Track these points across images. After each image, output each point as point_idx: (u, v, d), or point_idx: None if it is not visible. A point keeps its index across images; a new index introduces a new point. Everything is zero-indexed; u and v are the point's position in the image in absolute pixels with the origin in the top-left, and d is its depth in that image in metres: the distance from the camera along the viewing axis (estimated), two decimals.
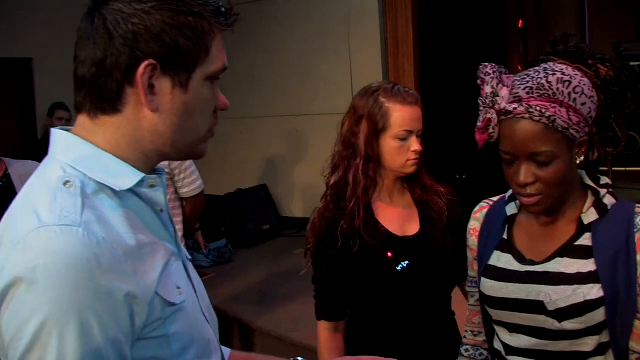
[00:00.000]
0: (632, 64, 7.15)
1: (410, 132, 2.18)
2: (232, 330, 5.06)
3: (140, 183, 1.19)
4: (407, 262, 2.20)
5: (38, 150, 4.80)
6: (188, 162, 3.79)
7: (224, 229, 7.24)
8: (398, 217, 2.28)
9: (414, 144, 2.19)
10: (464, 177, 7.10)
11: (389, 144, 2.19)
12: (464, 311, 2.40)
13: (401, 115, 2.17)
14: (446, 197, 2.35)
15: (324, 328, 2.27)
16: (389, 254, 2.19)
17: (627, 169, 8.84)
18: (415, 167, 2.22)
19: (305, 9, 7.53)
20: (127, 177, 1.18)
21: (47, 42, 7.09)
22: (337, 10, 7.32)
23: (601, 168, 1.74)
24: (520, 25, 8.92)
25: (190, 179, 3.86)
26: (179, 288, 1.20)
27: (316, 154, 7.38)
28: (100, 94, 1.16)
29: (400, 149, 2.19)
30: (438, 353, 2.27)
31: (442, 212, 2.30)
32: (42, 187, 1.12)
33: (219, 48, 1.23)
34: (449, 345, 2.29)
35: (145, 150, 1.21)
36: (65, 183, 1.11)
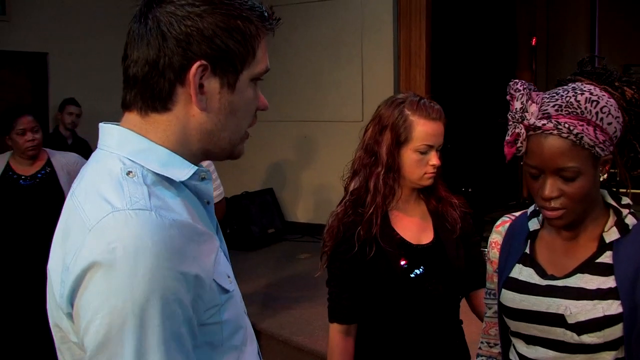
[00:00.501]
0: None
1: (430, 147, 2.23)
2: None
3: (194, 175, 1.25)
4: (421, 269, 2.24)
5: (50, 144, 4.89)
6: (212, 168, 3.83)
7: (229, 231, 7.27)
8: (413, 226, 2.32)
9: (433, 158, 2.23)
10: (469, 189, 7.14)
11: (409, 156, 2.23)
12: (469, 321, 2.44)
13: (424, 130, 2.21)
14: (460, 209, 2.39)
15: (336, 331, 2.30)
16: (404, 261, 2.23)
17: (633, 191, 8.87)
18: (432, 180, 2.27)
19: (319, 16, 7.58)
20: (182, 168, 1.23)
21: (62, 37, 7.16)
22: (351, 19, 7.37)
23: (621, 190, 1.77)
24: (533, 43, 8.95)
25: (214, 185, 3.88)
26: (229, 277, 1.25)
27: (324, 160, 7.43)
28: (152, 93, 1.21)
29: (419, 162, 2.23)
30: (445, 359, 2.31)
31: (455, 223, 2.34)
32: (104, 177, 1.16)
33: (263, 50, 1.29)
34: (457, 352, 2.35)
35: (192, 147, 1.26)
36: (128, 173, 1.16)
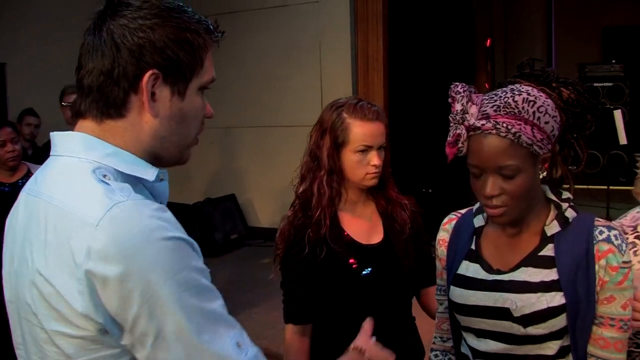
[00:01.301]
0: (596, 84, 7.30)
1: (369, 147, 2.25)
2: None
3: (157, 176, 1.33)
4: (370, 269, 2.28)
5: None
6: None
7: (192, 237, 7.23)
8: (363, 227, 2.35)
9: (374, 158, 2.25)
10: (429, 190, 7.21)
11: (349, 158, 2.26)
12: (423, 319, 2.49)
13: (361, 131, 2.24)
14: (410, 209, 2.42)
15: (291, 331, 2.32)
16: (353, 261, 2.26)
17: (590, 187, 9.03)
18: (376, 180, 2.29)
19: (277, 21, 7.60)
20: (147, 170, 1.31)
21: (20, 47, 7.08)
22: (308, 24, 7.40)
23: (564, 185, 1.82)
24: (488, 44, 9.06)
25: None
26: None
27: (284, 165, 7.39)
28: (107, 101, 1.27)
29: (359, 163, 2.25)
30: (399, 356, 2.35)
31: (405, 223, 2.37)
32: (85, 179, 1.22)
33: (210, 61, 1.36)
34: (409, 348, 2.39)
35: (145, 152, 1.31)
36: (104, 176, 1.22)
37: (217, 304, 1.22)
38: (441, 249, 1.98)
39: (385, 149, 2.31)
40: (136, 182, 1.28)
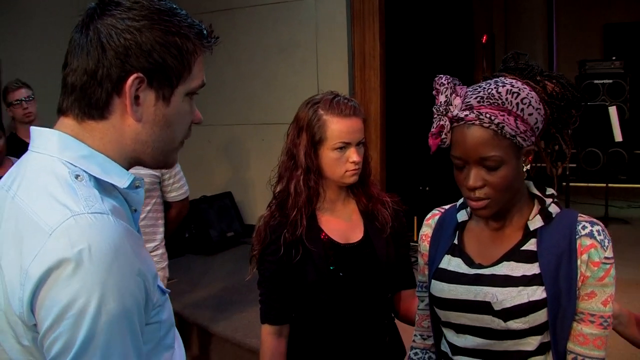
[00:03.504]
0: (596, 81, 7.34)
1: (347, 144, 2.21)
2: (190, 335, 5.08)
3: (130, 183, 1.30)
4: (347, 269, 2.24)
5: (9, 150, 4.82)
6: (178, 168, 3.84)
7: (187, 235, 7.24)
8: (341, 226, 2.31)
9: (353, 155, 2.22)
10: (427, 188, 7.19)
11: (327, 155, 2.22)
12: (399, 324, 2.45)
13: (337, 128, 2.20)
14: (392, 207, 2.38)
15: (267, 332, 2.31)
16: (330, 261, 2.23)
17: (589, 184, 9.02)
18: (356, 177, 2.26)
19: (274, 19, 7.58)
20: (121, 176, 1.28)
21: (17, 44, 7.05)
22: (305, 22, 7.38)
23: (551, 187, 1.82)
24: (484, 40, 9.02)
25: (179, 184, 3.92)
26: (162, 280, 1.28)
27: None
28: (89, 101, 1.25)
29: (338, 160, 2.22)
30: (376, 356, 2.32)
31: (386, 222, 2.33)
32: (52, 180, 1.19)
33: (199, 67, 1.34)
34: (387, 349, 2.36)
35: (126, 155, 1.30)
36: (77, 177, 1.21)
37: (132, 353, 1.16)
38: (423, 245, 1.98)
39: (364, 144, 2.27)
40: (111, 187, 1.27)
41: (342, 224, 2.31)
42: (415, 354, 2.04)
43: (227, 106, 7.77)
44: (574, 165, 9.02)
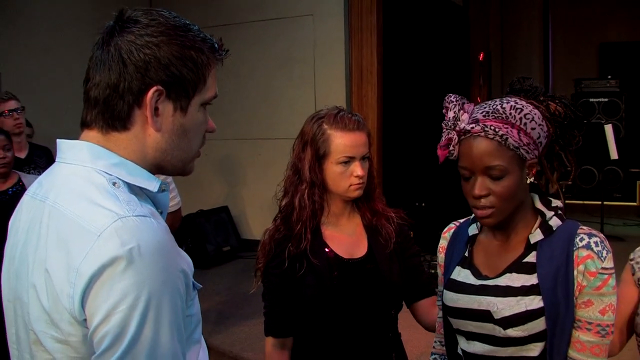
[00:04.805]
0: (592, 100, 7.38)
1: (351, 158, 2.22)
2: None
3: (159, 186, 1.37)
4: (350, 284, 2.25)
5: None
6: (169, 179, 3.86)
7: (184, 249, 7.23)
8: (346, 240, 2.32)
9: (357, 169, 2.22)
10: (422, 204, 7.21)
11: (331, 170, 2.23)
12: (413, 334, 2.47)
13: (342, 142, 2.21)
14: (396, 222, 2.39)
15: (271, 344, 2.32)
16: (335, 275, 2.24)
17: (585, 202, 9.06)
18: (360, 191, 2.26)
19: (273, 35, 7.63)
20: (150, 180, 1.36)
21: (16, 57, 7.07)
22: (303, 37, 7.43)
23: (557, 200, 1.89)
24: (481, 58, 9.08)
25: (171, 195, 3.91)
26: None
27: (277, 177, 7.42)
28: (112, 114, 1.32)
29: (342, 174, 2.23)
30: None
31: (389, 237, 2.33)
32: (91, 188, 1.27)
33: (213, 78, 1.41)
34: None
35: (149, 163, 1.37)
36: (114, 184, 1.28)
37: (178, 345, 1.23)
38: (440, 256, 2.09)
39: (369, 159, 2.29)
40: (140, 192, 1.33)
41: (346, 238, 2.32)
42: (435, 359, 2.13)
43: (223, 120, 7.77)
44: (570, 182, 9.02)
